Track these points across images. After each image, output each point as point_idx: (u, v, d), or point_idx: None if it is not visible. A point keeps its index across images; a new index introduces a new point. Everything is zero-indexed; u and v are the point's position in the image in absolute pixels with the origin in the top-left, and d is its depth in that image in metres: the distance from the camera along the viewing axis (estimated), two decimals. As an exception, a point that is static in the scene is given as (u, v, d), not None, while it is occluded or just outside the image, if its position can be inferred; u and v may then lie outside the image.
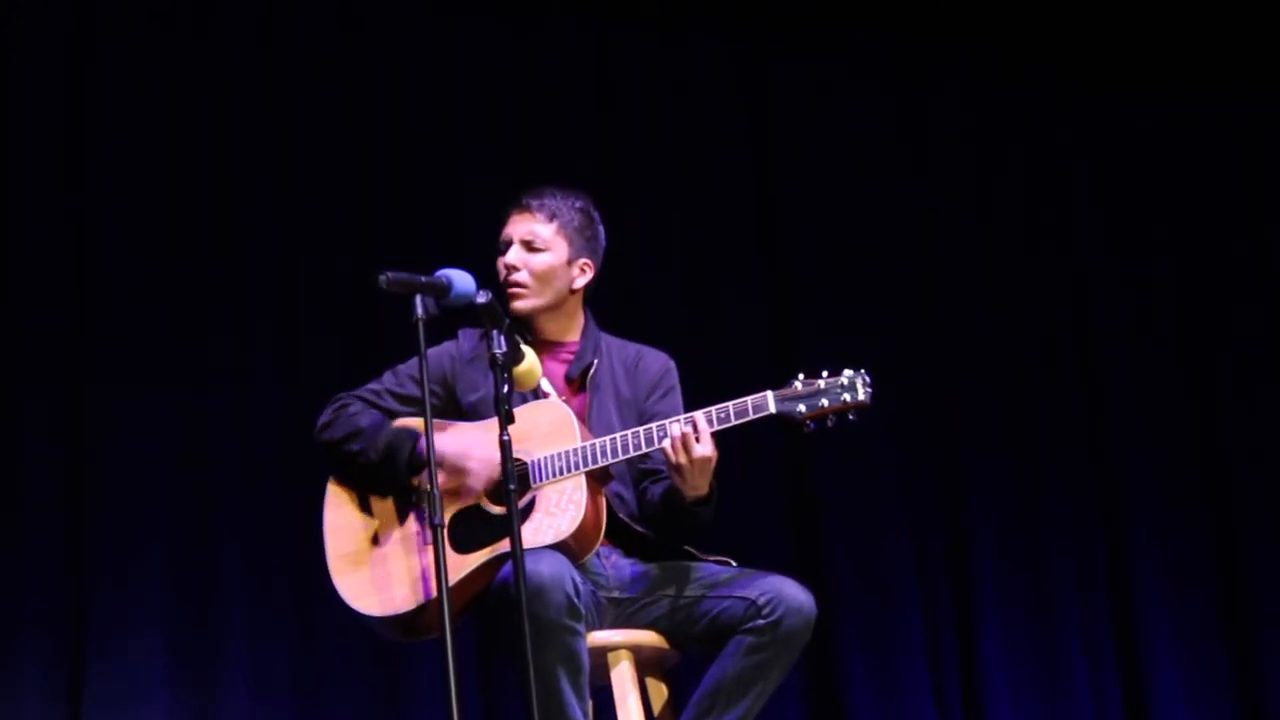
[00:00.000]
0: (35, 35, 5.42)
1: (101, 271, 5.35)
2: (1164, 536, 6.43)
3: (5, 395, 5.18)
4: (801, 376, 3.85)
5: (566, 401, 4.01)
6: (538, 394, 4.01)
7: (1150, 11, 6.69)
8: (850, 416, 3.83)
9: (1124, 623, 6.32)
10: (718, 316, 6.07)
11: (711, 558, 4.02)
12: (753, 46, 6.40)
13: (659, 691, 4.03)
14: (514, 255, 4.12)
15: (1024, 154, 6.68)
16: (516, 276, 4.10)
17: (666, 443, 3.82)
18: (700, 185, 6.22)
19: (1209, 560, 6.51)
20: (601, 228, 4.21)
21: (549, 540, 3.79)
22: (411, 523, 3.91)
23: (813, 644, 3.96)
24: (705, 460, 3.82)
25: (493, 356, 3.66)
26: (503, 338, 3.68)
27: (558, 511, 3.83)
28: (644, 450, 3.86)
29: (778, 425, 3.86)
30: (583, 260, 4.15)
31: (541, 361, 3.97)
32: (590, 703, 3.79)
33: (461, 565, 3.81)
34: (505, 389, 3.65)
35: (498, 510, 3.85)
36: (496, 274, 4.13)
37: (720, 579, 3.93)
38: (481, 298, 3.71)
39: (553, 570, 3.66)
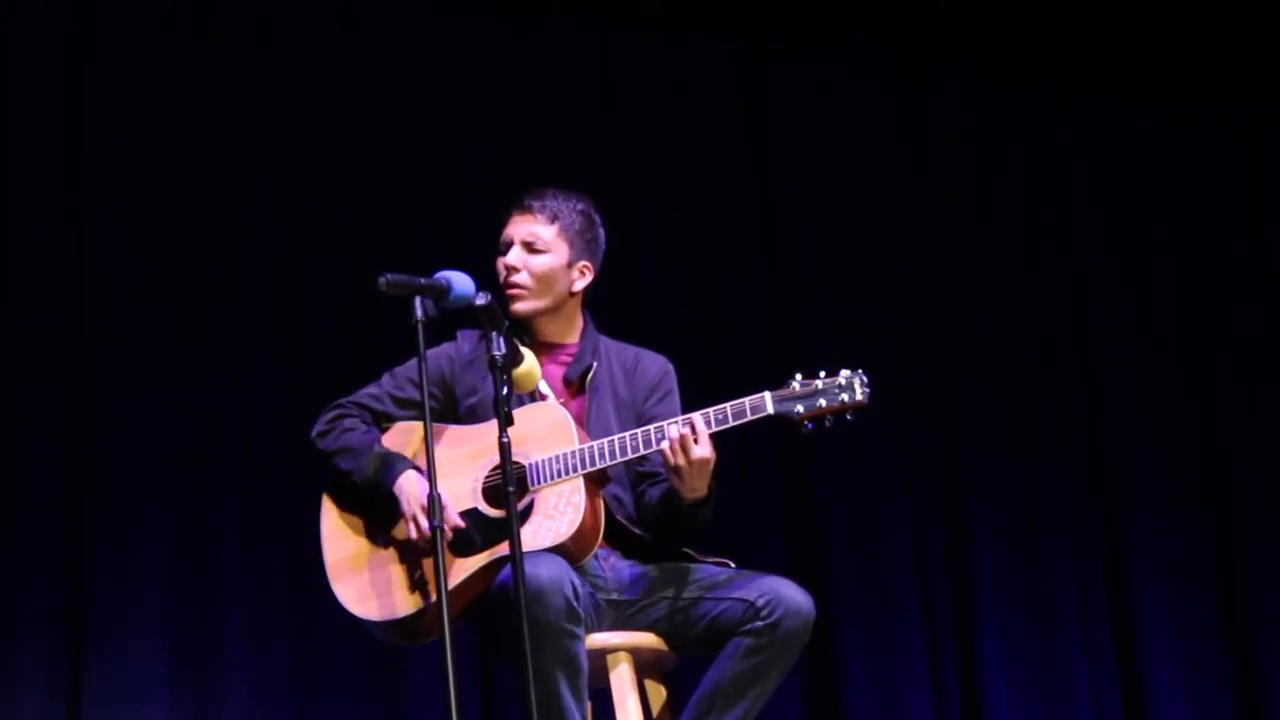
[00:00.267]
0: (35, 35, 5.42)
1: (101, 271, 5.35)
2: (1164, 536, 6.43)
3: (5, 395, 5.18)
4: (799, 377, 3.85)
5: (565, 404, 4.01)
6: (536, 396, 4.00)
7: (1150, 11, 6.69)
8: (848, 417, 3.84)
9: (1124, 623, 6.32)
10: (717, 316, 6.07)
11: (710, 559, 4.02)
12: (753, 46, 6.40)
13: (658, 693, 4.03)
14: (514, 256, 4.12)
15: (1024, 154, 6.68)
16: (517, 278, 4.10)
17: (665, 445, 3.82)
18: (700, 185, 6.22)
19: (1209, 560, 6.50)
20: (602, 230, 4.21)
21: (547, 543, 3.79)
22: (406, 529, 3.91)
23: (812, 645, 3.96)
24: (703, 462, 3.82)
25: (492, 359, 3.66)
26: (502, 340, 3.68)
27: (556, 514, 3.83)
28: (642, 452, 3.86)
29: (776, 426, 3.87)
30: (583, 263, 4.15)
31: (540, 364, 3.97)
32: (589, 705, 3.79)
33: (460, 569, 3.82)
34: (505, 391, 3.65)
35: (496, 513, 3.85)
36: (496, 275, 4.13)
37: (719, 580, 3.93)
38: (481, 299, 3.71)
39: (551, 573, 3.66)
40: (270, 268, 5.53)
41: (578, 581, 3.74)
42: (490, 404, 3.89)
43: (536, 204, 4.14)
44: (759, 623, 3.83)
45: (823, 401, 3.81)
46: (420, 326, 3.66)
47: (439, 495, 3.59)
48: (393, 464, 3.92)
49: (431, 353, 4.04)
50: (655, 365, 4.18)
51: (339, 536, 3.98)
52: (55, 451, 5.18)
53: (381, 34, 5.85)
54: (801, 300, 6.23)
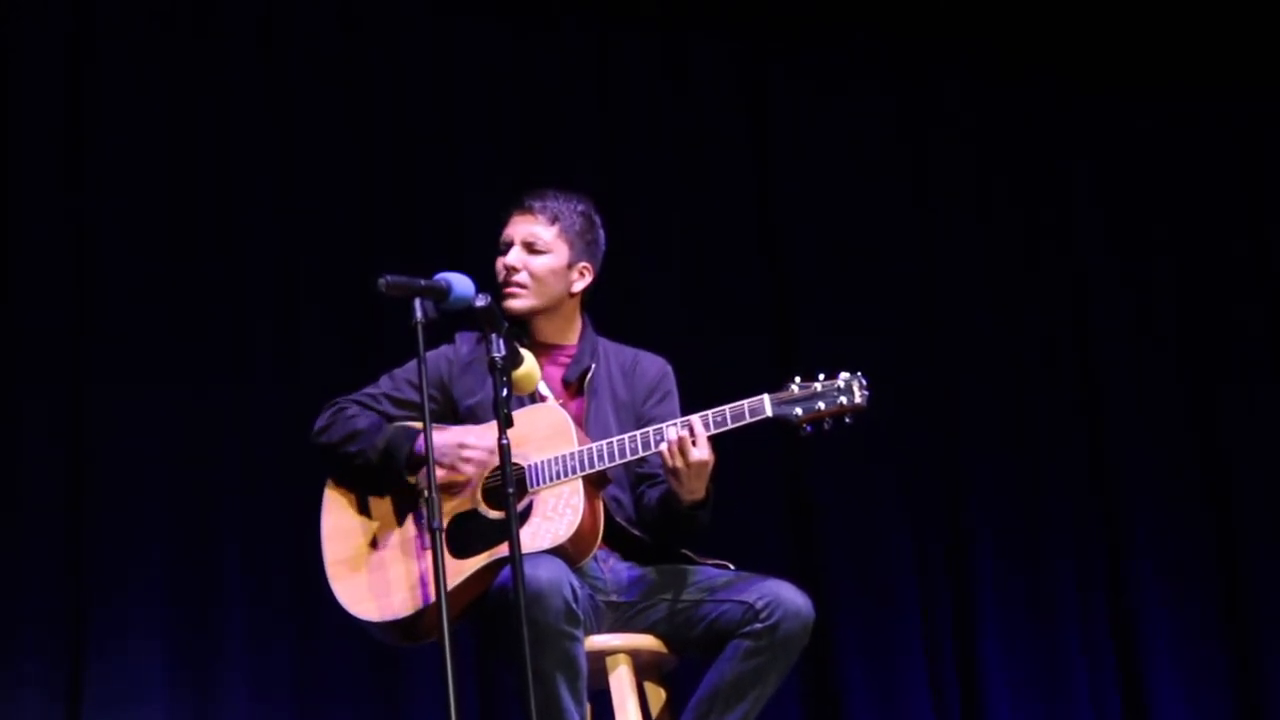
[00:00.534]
0: (35, 35, 5.42)
1: (101, 271, 5.35)
2: (1164, 536, 6.44)
3: (5, 395, 5.18)
4: (798, 379, 3.85)
5: (564, 405, 4.01)
6: (535, 398, 4.00)
7: (1150, 11, 6.69)
8: (847, 420, 3.84)
9: (1124, 624, 6.32)
10: (717, 317, 6.07)
11: (709, 561, 4.02)
12: (752, 46, 6.40)
13: (657, 695, 4.03)
14: (514, 256, 4.12)
15: (1024, 154, 6.68)
16: (516, 278, 4.10)
17: (663, 447, 3.82)
18: (700, 185, 6.22)
19: (1209, 560, 6.51)
20: (602, 232, 4.21)
21: (547, 545, 3.79)
22: (409, 527, 3.91)
23: (811, 647, 3.95)
24: (702, 464, 3.82)
25: (492, 360, 3.66)
26: (501, 341, 3.68)
27: (555, 516, 3.83)
28: (641, 454, 3.86)
29: (774, 428, 3.87)
30: (582, 264, 4.15)
31: (539, 365, 3.97)
32: (588, 707, 3.79)
33: (459, 570, 3.81)
34: (504, 393, 3.65)
35: (495, 514, 3.85)
36: (495, 276, 4.13)
37: (718, 583, 3.93)
38: (480, 301, 3.71)
39: (551, 575, 3.66)
40: (270, 269, 5.54)
41: (577, 583, 3.74)
42: (489, 405, 3.90)
43: (537, 204, 4.14)
44: (758, 625, 3.83)
45: (821, 404, 3.81)
46: (420, 328, 3.66)
47: (437, 498, 3.58)
48: (405, 436, 3.92)
49: (430, 355, 4.04)
50: (654, 366, 4.19)
51: (339, 536, 3.98)
52: (55, 451, 5.18)
53: (381, 34, 5.85)
54: (801, 300, 6.23)
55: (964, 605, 6.15)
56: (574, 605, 3.68)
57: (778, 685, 3.90)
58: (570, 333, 4.17)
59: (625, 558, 4.04)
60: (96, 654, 5.07)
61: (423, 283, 3.71)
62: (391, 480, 3.94)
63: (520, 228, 4.14)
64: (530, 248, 4.12)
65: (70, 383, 5.26)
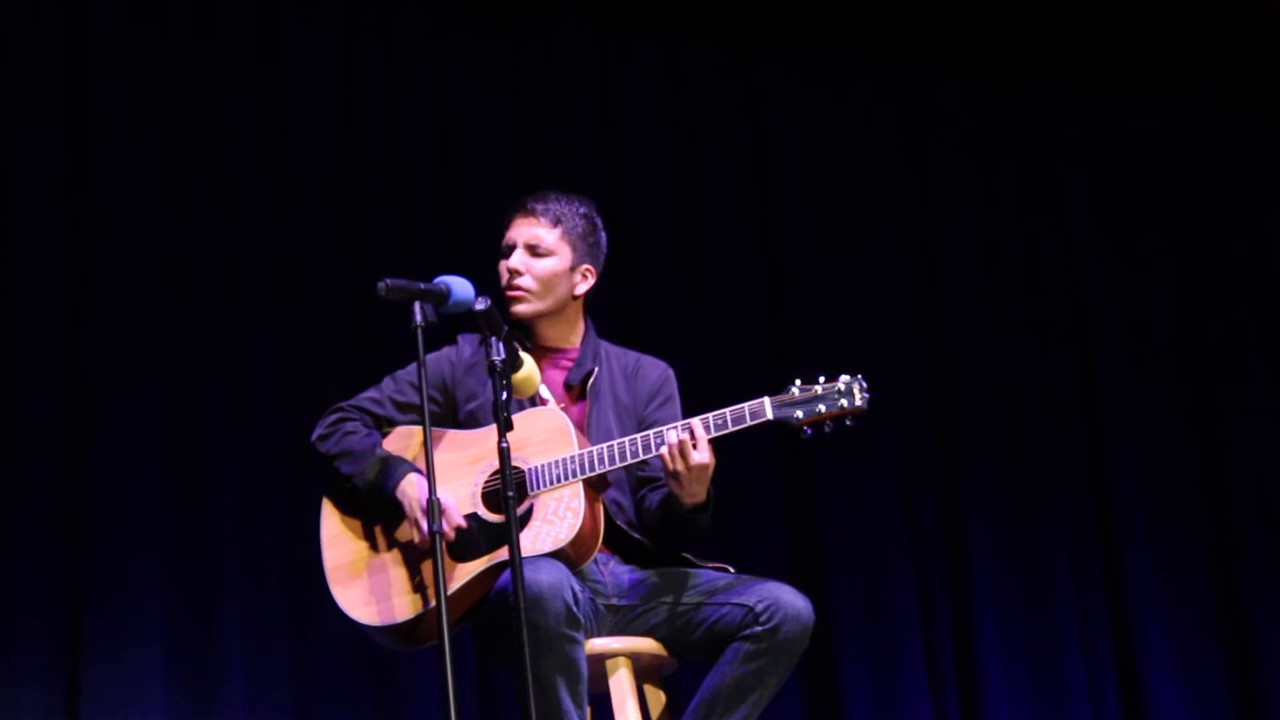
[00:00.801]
0: (35, 35, 5.41)
1: (101, 272, 5.34)
2: (1161, 537, 6.45)
3: (4, 396, 5.17)
4: (798, 382, 3.85)
5: (565, 409, 4.01)
6: (536, 401, 4.00)
7: (1150, 17, 6.71)
8: (848, 422, 3.84)
9: (1122, 625, 6.32)
10: (715, 321, 6.07)
11: (710, 564, 4.02)
12: (749, 53, 6.40)
13: (657, 698, 4.03)
14: (517, 259, 4.11)
15: (1021, 161, 6.71)
16: (519, 281, 4.10)
17: (664, 450, 3.82)
18: (698, 193, 6.22)
19: (1206, 561, 6.52)
20: (604, 234, 4.21)
21: (547, 548, 3.79)
22: (409, 531, 3.91)
23: (811, 651, 3.95)
24: (703, 467, 3.82)
25: (491, 364, 3.66)
26: (501, 345, 3.68)
27: (555, 519, 3.83)
28: (641, 457, 3.86)
29: (775, 431, 3.86)
30: (585, 266, 4.15)
31: (541, 368, 3.97)
32: (589, 710, 3.79)
33: (460, 573, 3.82)
34: (504, 396, 3.65)
35: (495, 518, 3.85)
36: (497, 279, 4.13)
37: (718, 586, 3.93)
38: (480, 305, 3.71)
39: (551, 579, 3.65)
40: (270, 272, 5.53)
41: (577, 586, 3.73)
42: (490, 409, 3.90)
43: (540, 207, 4.14)
44: (758, 628, 3.83)
45: (822, 407, 3.81)
46: (419, 331, 3.66)
47: (439, 500, 3.59)
48: (394, 467, 3.92)
49: (432, 357, 4.05)
50: (656, 370, 4.19)
51: (339, 541, 3.98)
52: (54, 455, 5.16)
53: (381, 39, 5.85)
54: (799, 303, 6.23)
55: (963, 608, 6.15)
56: (574, 609, 3.68)
57: (777, 688, 3.90)
58: (573, 336, 4.17)
59: (625, 561, 4.04)
60: (95, 660, 5.04)
61: (422, 286, 3.71)
62: (379, 507, 3.94)
63: (523, 230, 4.14)
64: (533, 250, 4.12)
65: (70, 384, 5.24)
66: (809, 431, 3.83)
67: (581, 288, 4.15)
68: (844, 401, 3.81)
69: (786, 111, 6.41)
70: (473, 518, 3.88)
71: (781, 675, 3.88)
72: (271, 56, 5.69)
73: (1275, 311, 6.87)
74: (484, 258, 4.38)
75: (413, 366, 3.98)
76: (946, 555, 6.21)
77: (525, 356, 3.77)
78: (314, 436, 4.04)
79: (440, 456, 3.89)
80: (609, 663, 3.90)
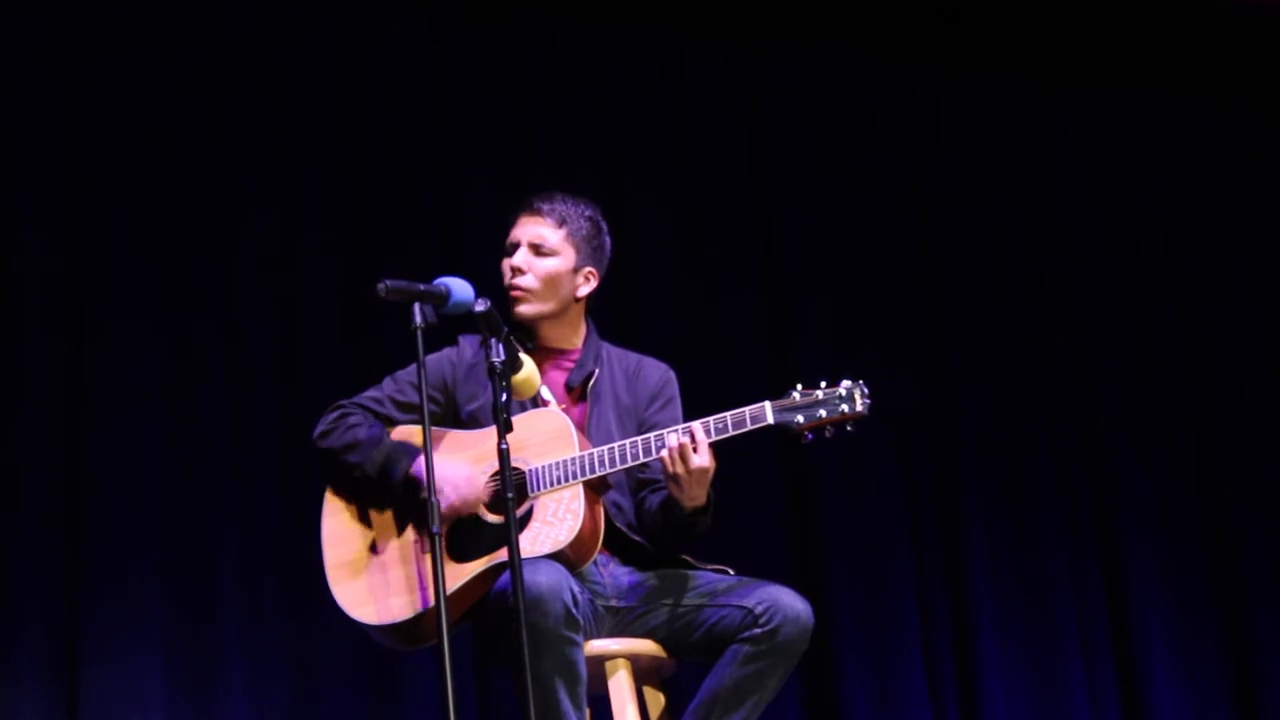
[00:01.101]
0: (35, 35, 5.41)
1: (99, 275, 5.34)
2: (1162, 543, 6.44)
3: (4, 397, 5.17)
4: (799, 387, 3.85)
5: (566, 410, 4.01)
6: (537, 402, 4.00)
7: (1149, 17, 6.71)
8: (848, 427, 3.84)
9: (1122, 631, 6.32)
10: (716, 326, 6.06)
11: (709, 566, 4.02)
12: (748, 56, 6.40)
13: (656, 700, 4.03)
14: (521, 258, 4.11)
15: (1020, 160, 6.70)
16: (522, 280, 4.10)
17: (664, 453, 3.82)
18: (698, 193, 6.22)
19: (1206, 560, 6.52)
20: (608, 238, 4.21)
21: (547, 549, 3.79)
22: (410, 531, 3.91)
23: (810, 652, 3.95)
24: (703, 471, 3.83)
25: (491, 365, 3.67)
26: (501, 346, 3.68)
27: (555, 521, 3.83)
28: (642, 460, 3.86)
29: (776, 436, 3.87)
30: (588, 268, 4.14)
31: (542, 369, 3.97)
32: (588, 712, 3.79)
33: (459, 574, 3.82)
34: (504, 397, 3.65)
35: (496, 519, 3.85)
36: (497, 279, 4.13)
37: (718, 588, 3.93)
38: (480, 306, 3.71)
39: (551, 580, 3.65)
40: (270, 272, 5.52)
41: (577, 588, 3.73)
42: (490, 409, 3.89)
43: (545, 207, 4.14)
44: (758, 630, 3.83)
45: (823, 412, 3.82)
46: (419, 332, 3.66)
47: (437, 502, 3.58)
48: (402, 453, 3.92)
49: (433, 357, 4.05)
50: (657, 372, 4.19)
51: (340, 540, 3.98)
52: (54, 456, 5.16)
53: (381, 39, 5.85)
54: (799, 309, 6.22)
55: (963, 608, 6.15)
56: (574, 610, 3.68)
57: (777, 690, 3.91)
58: (575, 337, 4.17)
59: (625, 562, 4.04)
60: (94, 663, 5.04)
61: (422, 287, 3.71)
62: (386, 494, 3.94)
63: (528, 229, 4.14)
64: (537, 250, 4.12)
65: (69, 385, 5.24)
66: (810, 436, 3.83)
67: (584, 290, 4.14)
68: (845, 407, 3.81)
69: (786, 111, 6.40)
70: (473, 519, 3.88)
71: (781, 677, 3.88)
72: (271, 56, 5.68)
73: (1275, 311, 6.87)
74: (484, 258, 4.38)
75: (413, 367, 3.97)
76: (946, 555, 6.21)
77: (525, 358, 3.77)
78: (316, 434, 4.04)
79: (440, 457, 3.88)
80: (608, 664, 3.91)
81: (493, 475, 3.88)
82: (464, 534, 3.86)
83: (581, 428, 3.99)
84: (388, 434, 4.00)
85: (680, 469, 3.81)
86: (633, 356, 4.21)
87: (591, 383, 4.10)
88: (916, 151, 6.55)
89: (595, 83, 6.18)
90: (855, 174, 6.45)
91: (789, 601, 3.86)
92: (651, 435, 3.87)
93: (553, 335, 4.14)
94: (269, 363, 5.44)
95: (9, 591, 5.02)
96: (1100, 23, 6.71)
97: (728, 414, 3.84)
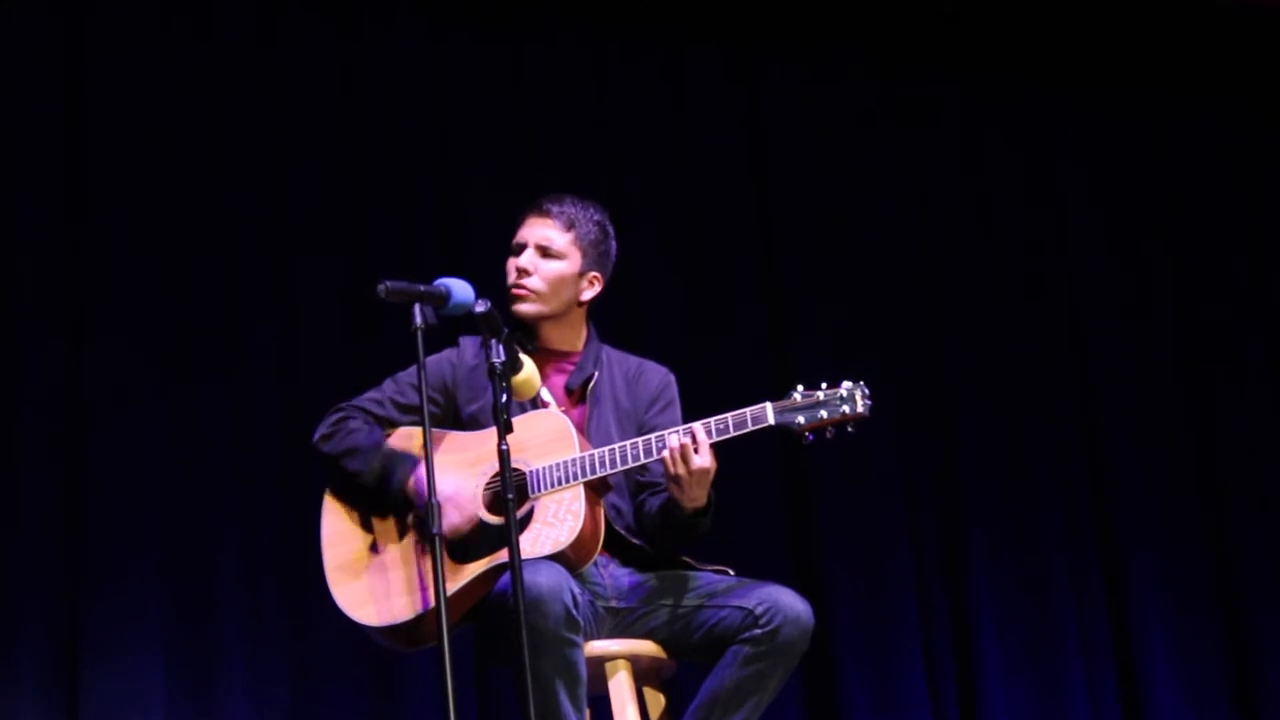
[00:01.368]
0: (35, 35, 5.41)
1: (101, 272, 5.34)
2: (1162, 543, 6.44)
3: (4, 397, 5.17)
4: (800, 388, 3.85)
5: (565, 413, 4.01)
6: (537, 403, 4.00)
7: (1149, 17, 6.72)
8: (849, 428, 3.84)
9: (1122, 631, 6.32)
10: (716, 327, 6.06)
11: (709, 567, 4.02)
12: (749, 55, 6.40)
13: (656, 701, 4.03)
14: (527, 259, 4.11)
15: (1020, 164, 6.70)
16: (527, 281, 4.10)
17: (665, 454, 3.82)
18: (698, 193, 6.21)
19: (1206, 560, 6.52)
20: (614, 243, 4.20)
21: (547, 550, 3.79)
22: (410, 532, 3.91)
23: (811, 652, 3.95)
24: (704, 471, 3.82)
25: (491, 366, 3.66)
26: (501, 347, 3.68)
27: (556, 522, 3.83)
28: (642, 461, 3.86)
29: (776, 437, 3.87)
30: (593, 273, 4.14)
31: (543, 371, 3.97)
32: (588, 713, 3.79)
33: (460, 575, 3.82)
34: (504, 398, 3.65)
35: (496, 520, 3.85)
36: (497, 280, 4.12)
37: (718, 589, 3.93)
38: (480, 307, 3.71)
39: (551, 581, 3.65)
40: (270, 272, 5.52)
41: (577, 589, 3.73)
42: (490, 411, 3.89)
43: (554, 209, 4.14)
44: (758, 631, 3.83)
45: (824, 413, 3.82)
46: (420, 333, 3.66)
47: (437, 503, 3.58)
48: (400, 463, 3.91)
49: (434, 359, 4.05)
50: (657, 376, 4.19)
51: (339, 541, 3.98)
52: (54, 456, 5.16)
53: (381, 39, 5.85)
54: (800, 310, 6.22)
55: (963, 608, 6.15)
56: (574, 611, 3.68)
57: (777, 691, 3.91)
58: (576, 340, 4.16)
59: (625, 563, 4.04)
60: (93, 665, 5.03)
61: (422, 288, 3.71)
62: (384, 502, 3.94)
63: (535, 230, 4.14)
64: (544, 252, 4.11)
65: (69, 386, 5.23)
66: (810, 437, 3.83)
67: (587, 294, 4.14)
68: (846, 408, 3.81)
69: (786, 111, 6.40)
70: (474, 519, 3.88)
71: (781, 678, 3.88)
72: (271, 56, 5.68)
73: (1274, 312, 6.87)
74: (484, 258, 4.38)
75: (414, 368, 3.96)
76: (946, 555, 6.21)
77: (525, 359, 3.77)
78: (316, 436, 4.04)
79: (441, 458, 3.89)
80: (608, 665, 3.91)
81: (493, 476, 3.88)
82: (464, 535, 3.86)
83: (581, 430, 3.99)
84: (387, 440, 4.00)
85: (681, 470, 3.81)
86: (633, 360, 4.21)
87: (591, 385, 4.09)
88: (916, 151, 6.56)
89: (595, 83, 6.18)
90: (855, 174, 6.45)
91: (789, 602, 3.86)
92: (652, 436, 3.87)
93: (554, 337, 4.14)
94: (269, 363, 5.44)
95: (9, 591, 5.02)
96: (1100, 23, 6.71)
97: (729, 415, 3.84)
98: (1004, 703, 6.06)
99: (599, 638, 3.92)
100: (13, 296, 5.21)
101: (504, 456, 3.60)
